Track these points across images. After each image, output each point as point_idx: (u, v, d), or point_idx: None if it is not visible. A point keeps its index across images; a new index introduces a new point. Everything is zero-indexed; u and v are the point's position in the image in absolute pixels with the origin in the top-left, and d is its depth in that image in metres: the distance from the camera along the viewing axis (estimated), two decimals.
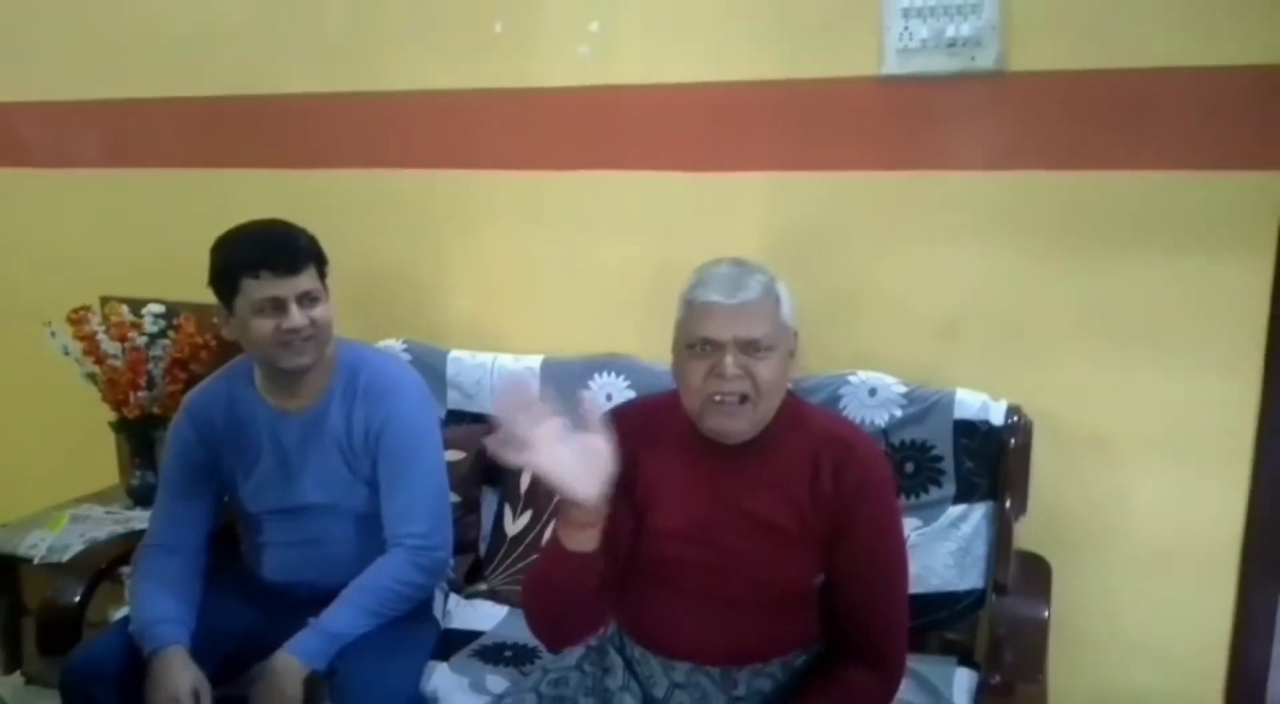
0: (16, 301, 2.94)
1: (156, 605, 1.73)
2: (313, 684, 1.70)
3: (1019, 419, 1.94)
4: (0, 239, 3.01)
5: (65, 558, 2.26)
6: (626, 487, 1.49)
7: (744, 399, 1.41)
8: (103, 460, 2.82)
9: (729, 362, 1.40)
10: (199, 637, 1.72)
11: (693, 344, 1.44)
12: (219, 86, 2.63)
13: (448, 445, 2.12)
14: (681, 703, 1.48)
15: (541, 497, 2.16)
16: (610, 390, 2.19)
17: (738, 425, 1.43)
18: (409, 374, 1.93)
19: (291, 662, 1.67)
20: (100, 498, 2.69)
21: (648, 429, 1.54)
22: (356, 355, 1.88)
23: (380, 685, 1.66)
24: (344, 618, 1.73)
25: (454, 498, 2.10)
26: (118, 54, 2.73)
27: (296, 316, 1.72)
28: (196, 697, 1.63)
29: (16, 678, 2.62)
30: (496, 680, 1.76)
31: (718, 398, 1.41)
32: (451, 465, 2.10)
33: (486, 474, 2.27)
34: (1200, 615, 2.02)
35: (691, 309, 1.45)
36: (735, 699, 1.47)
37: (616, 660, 1.56)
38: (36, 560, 2.39)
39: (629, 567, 1.52)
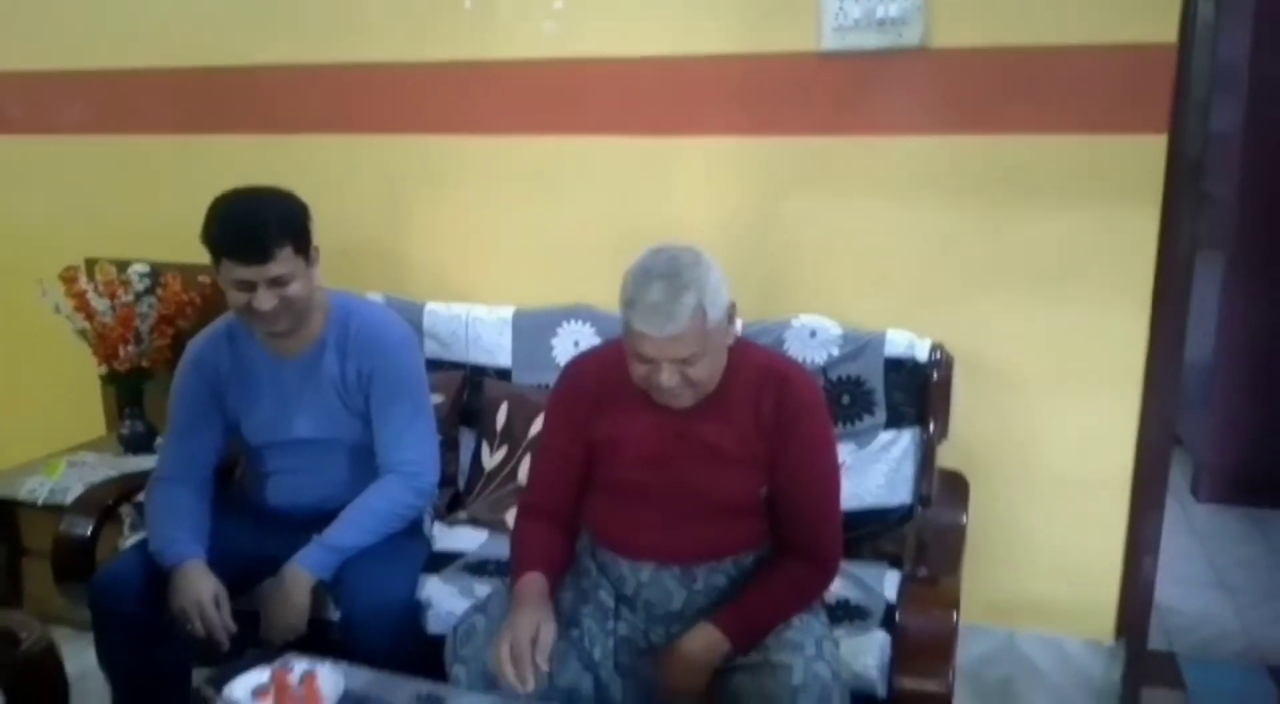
0: (4, 263, 3.05)
1: (173, 527, 1.92)
2: (318, 593, 1.91)
3: (941, 355, 2.20)
4: None
5: (68, 499, 2.41)
6: (585, 428, 1.74)
7: (681, 395, 1.63)
8: (90, 413, 2.97)
9: (665, 375, 1.58)
10: (210, 559, 1.90)
11: (632, 353, 1.61)
12: (198, 58, 2.77)
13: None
14: (648, 598, 1.72)
15: (516, 434, 2.37)
16: (578, 337, 2.41)
17: (681, 404, 1.65)
18: (396, 320, 2.12)
19: (300, 572, 1.88)
20: (92, 446, 2.84)
21: (607, 375, 1.75)
22: (347, 305, 2.06)
23: (380, 591, 1.87)
24: (345, 534, 1.93)
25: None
26: (99, 26, 2.86)
27: (264, 299, 1.84)
28: (217, 602, 1.82)
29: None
30: (482, 587, 1.98)
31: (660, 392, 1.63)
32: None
33: (464, 415, 2.48)
34: (1098, 530, 2.32)
35: (628, 328, 1.57)
36: (694, 593, 1.71)
37: (590, 565, 1.79)
38: (40, 502, 2.55)
39: (598, 487, 1.76)
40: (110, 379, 2.79)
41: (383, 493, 1.99)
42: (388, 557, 1.94)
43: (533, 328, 2.46)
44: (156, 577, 1.87)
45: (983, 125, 2.19)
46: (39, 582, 2.40)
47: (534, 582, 1.64)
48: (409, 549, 2.03)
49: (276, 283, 1.84)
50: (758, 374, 1.71)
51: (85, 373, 2.86)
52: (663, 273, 1.55)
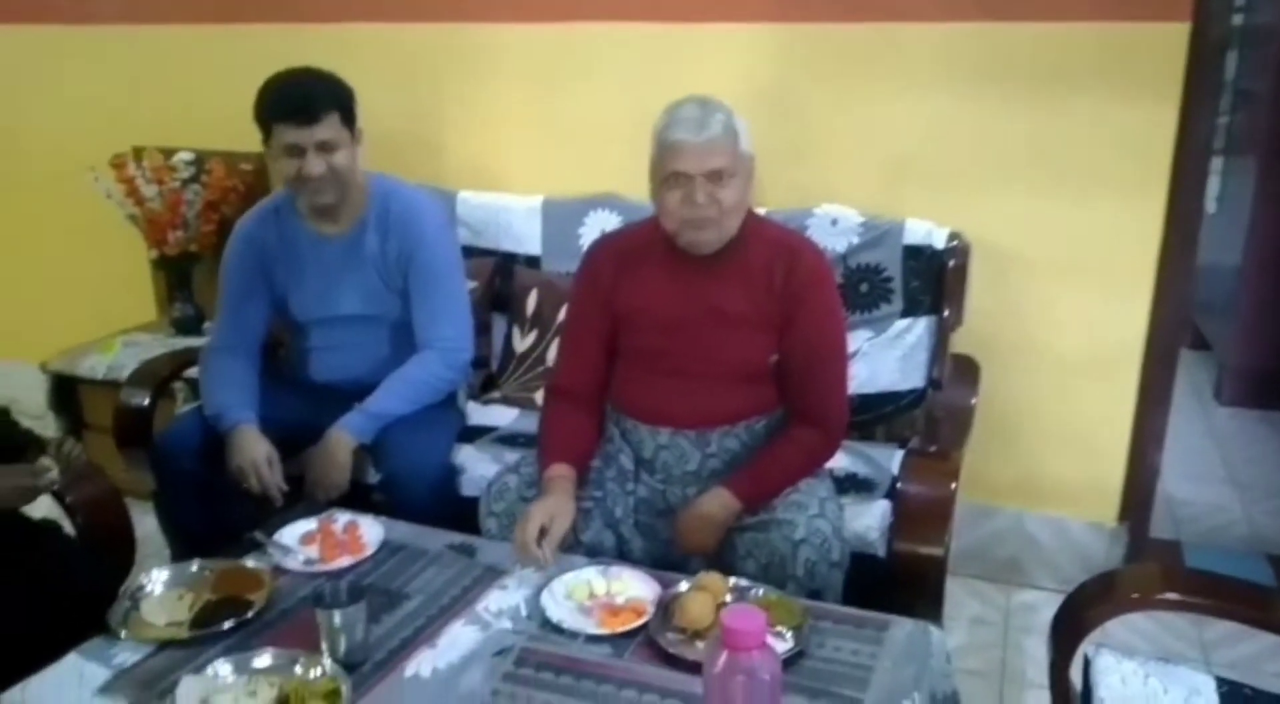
0: (54, 152, 3.16)
1: (227, 393, 2.06)
2: (359, 456, 2.05)
3: (959, 243, 2.25)
4: (33, 93, 3.21)
5: (125, 374, 2.56)
6: (607, 300, 1.84)
7: (711, 220, 1.71)
8: (142, 297, 3.11)
9: (698, 192, 1.68)
10: (260, 426, 2.04)
11: (666, 177, 1.71)
12: None
13: None
14: (665, 460, 1.83)
15: (545, 318, 2.48)
16: (604, 225, 2.48)
17: (708, 237, 1.74)
18: (433, 203, 2.21)
19: (342, 435, 2.01)
20: (145, 328, 2.99)
21: (628, 251, 1.87)
22: (387, 187, 2.15)
23: (417, 454, 2.00)
24: (385, 402, 2.06)
25: None
26: None
27: (313, 163, 1.95)
28: (270, 461, 1.97)
29: None
30: (513, 455, 2.10)
31: (691, 219, 1.71)
32: None
33: (496, 301, 2.58)
34: (1106, 419, 2.39)
35: (663, 147, 1.72)
36: (708, 456, 1.81)
37: (614, 431, 1.90)
38: (99, 377, 2.71)
39: (620, 356, 1.86)
40: (160, 264, 2.92)
41: (420, 366, 2.11)
42: (424, 424, 2.07)
43: (561, 216, 2.54)
44: (212, 439, 2.02)
45: (1004, 12, 2.20)
46: (99, 454, 2.55)
47: (558, 473, 1.75)
48: (444, 419, 2.16)
49: (324, 148, 1.95)
50: (771, 246, 1.79)
51: (137, 258, 3.00)
52: (695, 100, 1.72)
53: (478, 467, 2.09)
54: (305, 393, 2.19)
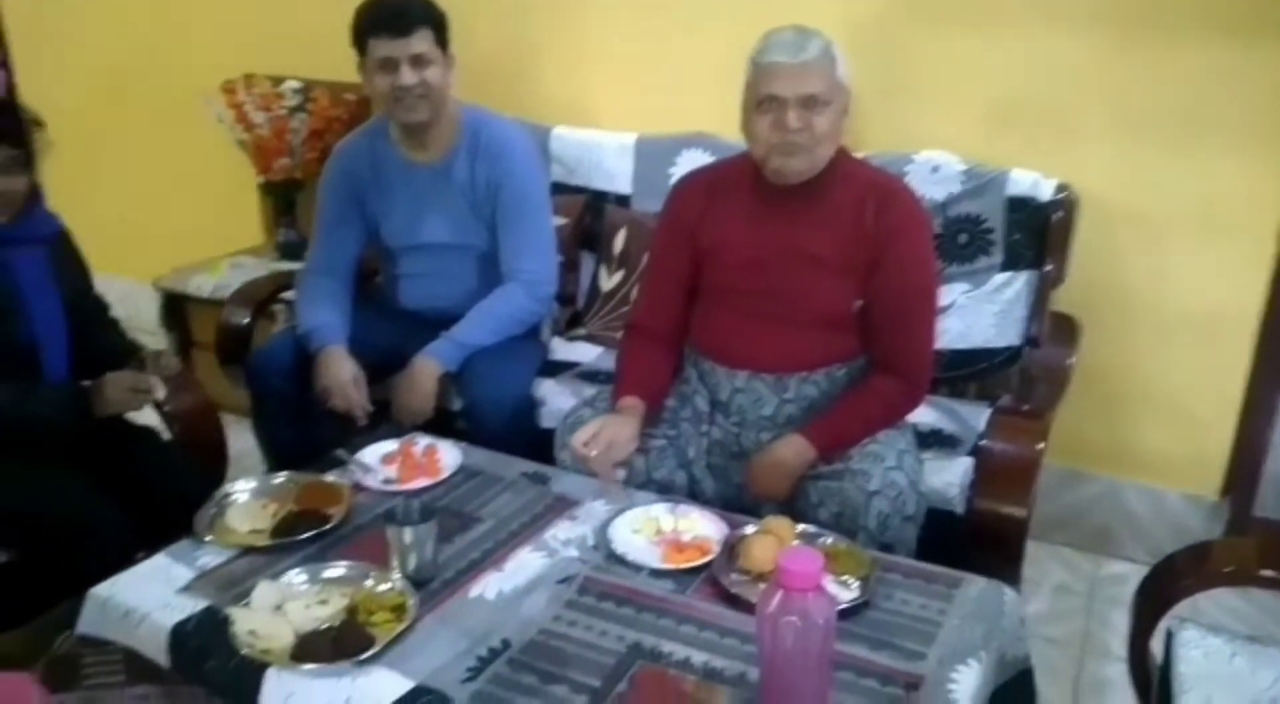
0: (173, 75, 3.26)
1: (319, 314, 2.11)
2: (444, 383, 2.08)
3: (1066, 195, 2.14)
4: (150, 17, 3.30)
5: (228, 294, 2.65)
6: (691, 235, 1.81)
7: (802, 145, 1.65)
8: (250, 221, 3.22)
9: (791, 115, 1.63)
10: (350, 348, 2.09)
11: (760, 101, 1.67)
12: None
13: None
14: (741, 404, 1.81)
15: (632, 259, 2.47)
16: (696, 165, 2.43)
17: (796, 164, 1.68)
18: (523, 134, 2.21)
19: (429, 363, 2.05)
20: (251, 252, 3.09)
21: (715, 185, 1.84)
22: (478, 117, 2.16)
23: (500, 384, 2.03)
24: (470, 331, 2.09)
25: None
26: None
27: (407, 75, 1.98)
28: (356, 382, 2.02)
29: None
30: (592, 391, 2.11)
31: (781, 144, 1.66)
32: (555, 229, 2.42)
33: (584, 239, 2.58)
34: (1214, 386, 2.26)
35: (759, 70, 1.67)
36: (785, 401, 1.78)
37: (692, 372, 1.89)
38: (205, 296, 2.82)
39: (700, 295, 1.84)
40: (267, 189, 3.01)
41: (505, 298, 2.13)
42: (507, 355, 2.09)
43: (654, 154, 2.51)
44: (304, 358, 2.08)
45: None
46: (206, 371, 2.67)
47: (627, 403, 1.75)
48: (527, 351, 2.18)
49: (417, 62, 1.98)
50: (863, 186, 1.73)
51: (247, 183, 3.09)
52: (794, 27, 1.66)
53: (557, 400, 2.11)
54: (395, 319, 2.24)
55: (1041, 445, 1.78)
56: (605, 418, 1.68)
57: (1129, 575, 2.31)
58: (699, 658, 1.31)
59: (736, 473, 1.80)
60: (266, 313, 2.55)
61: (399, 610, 1.37)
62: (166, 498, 1.72)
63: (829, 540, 1.55)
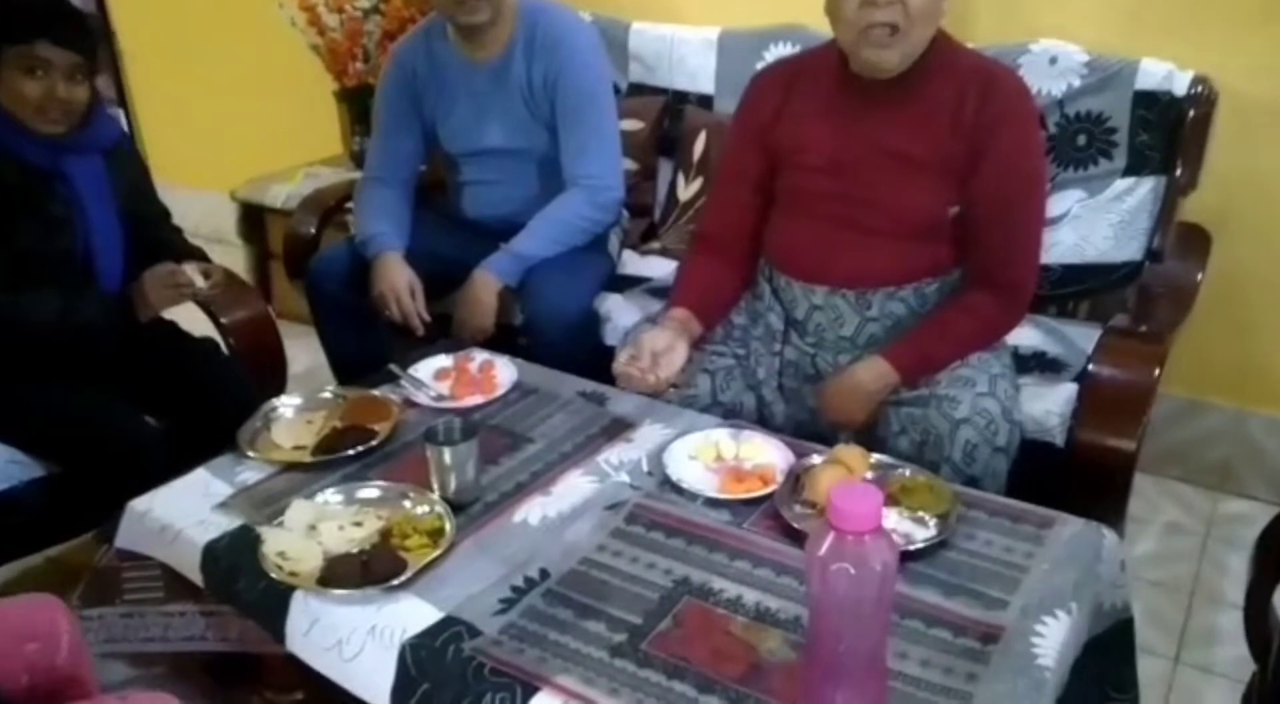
0: None
1: (377, 222, 2.03)
2: (504, 298, 1.98)
3: (1203, 91, 1.88)
4: None
5: None
6: (766, 133, 1.64)
7: (895, 30, 1.45)
8: (328, 131, 3.15)
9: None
10: (410, 257, 2.01)
11: None
12: None
13: (628, 115, 2.29)
14: (819, 323, 1.65)
15: (713, 165, 2.30)
16: None
17: (889, 56, 1.48)
18: (582, 24, 2.06)
19: (488, 277, 1.95)
20: (328, 162, 3.04)
21: (795, 78, 1.65)
22: (536, 7, 2.00)
23: (561, 298, 1.92)
24: (531, 243, 1.97)
25: (631, 165, 2.28)
26: None
27: None
28: (412, 291, 1.94)
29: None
30: (660, 308, 1.99)
31: (870, 28, 1.46)
32: (630, 134, 2.27)
33: (662, 144, 2.42)
34: None
35: None
36: (868, 320, 1.62)
37: (765, 288, 1.73)
38: (279, 205, 2.78)
39: (775, 202, 1.67)
40: (342, 96, 2.93)
41: (566, 205, 2.00)
42: (570, 268, 1.97)
43: (739, 49, 2.31)
44: (362, 266, 2.00)
45: None
46: (283, 282, 2.64)
47: (677, 316, 1.61)
48: (591, 263, 2.05)
49: None
50: (963, 75, 1.52)
51: (322, 92, 3.01)
52: None
53: (623, 316, 1.98)
54: (457, 229, 2.14)
55: (1157, 371, 1.58)
56: (648, 332, 1.54)
57: (1251, 515, 2.09)
58: (751, 597, 1.20)
59: (811, 397, 1.66)
60: (335, 222, 2.49)
61: (436, 535, 1.30)
62: (223, 410, 1.68)
63: (906, 472, 1.40)
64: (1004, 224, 1.53)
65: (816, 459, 1.42)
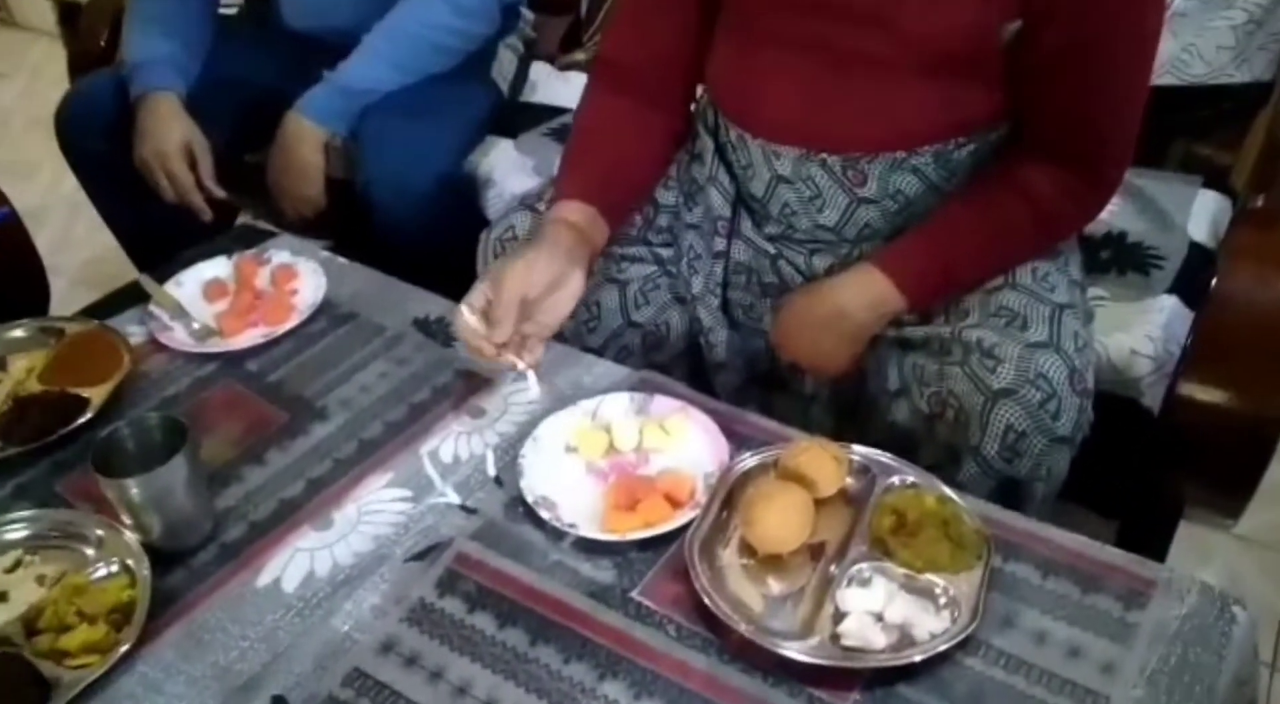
0: None
1: (150, 44, 1.39)
2: (336, 152, 1.37)
3: None
4: None
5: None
6: None
7: None
8: None
9: None
10: (207, 87, 1.41)
11: None
12: None
13: None
14: (786, 204, 1.05)
15: None
16: None
17: None
18: None
19: (304, 124, 1.34)
20: None
21: None
22: None
23: (410, 154, 1.31)
24: (364, 71, 1.35)
25: None
26: None
27: None
28: (190, 152, 1.32)
29: None
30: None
31: None
32: None
33: None
34: None
35: None
36: (862, 202, 1.01)
37: (707, 143, 1.11)
38: None
39: (722, 12, 1.03)
40: None
41: (413, 12, 1.35)
42: (426, 106, 1.35)
43: None
44: (128, 108, 1.38)
45: None
46: None
47: (563, 216, 0.98)
48: (460, 98, 1.42)
49: None
50: None
51: None
52: None
53: (512, 177, 1.38)
54: (277, 45, 1.49)
55: None
56: (516, 260, 0.95)
57: None
58: None
59: (771, 322, 1.09)
60: None
61: (125, 610, 0.78)
62: None
63: (897, 480, 0.85)
64: (1090, 55, 0.89)
65: (757, 459, 0.87)
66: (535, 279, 0.91)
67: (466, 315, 0.91)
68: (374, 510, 0.88)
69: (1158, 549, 1.06)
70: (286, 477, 0.92)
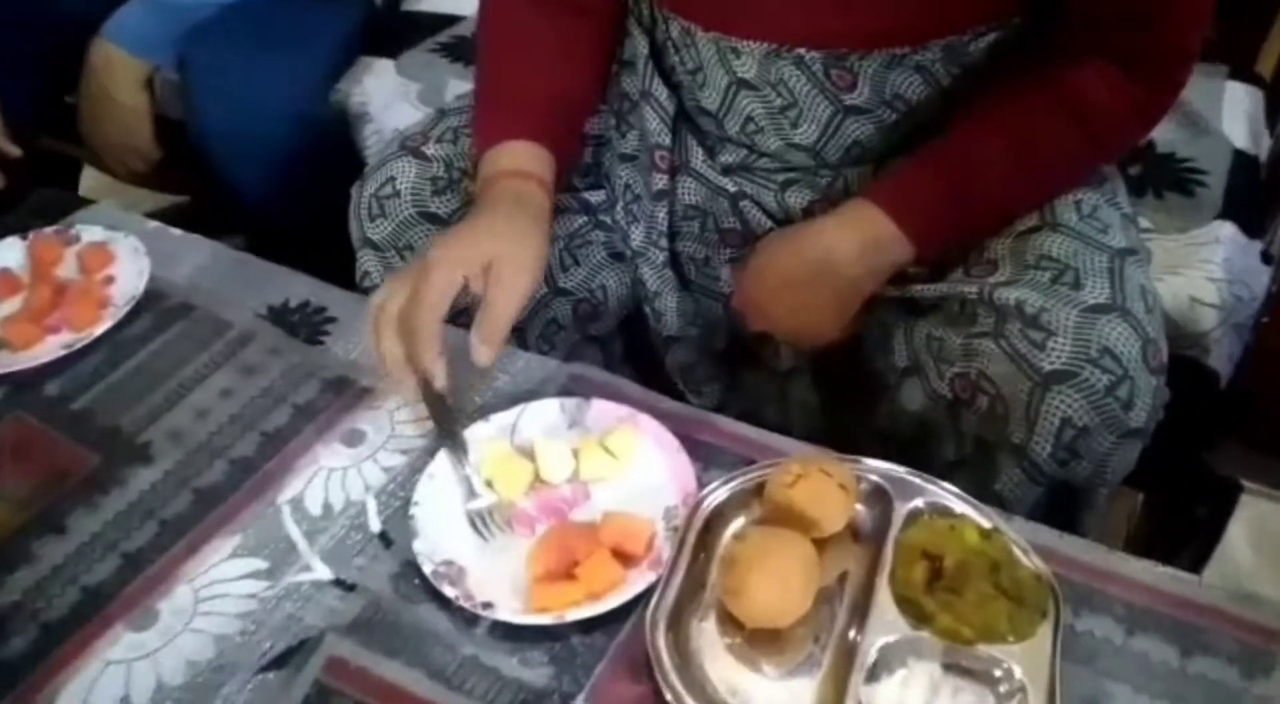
0: None
1: None
2: (172, 86, 1.08)
3: None
4: None
5: None
6: None
7: None
8: None
9: None
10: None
11: None
12: None
13: None
14: (750, 115, 0.79)
15: None
16: None
17: None
18: None
19: (115, 55, 1.04)
20: None
21: None
22: None
23: (251, 84, 1.02)
24: None
25: None
26: None
27: None
28: None
29: None
30: (465, 89, 1.09)
31: None
32: None
33: None
34: None
35: None
36: (849, 110, 0.76)
37: (640, 44, 0.84)
38: None
39: None
40: None
41: None
42: (272, 23, 1.06)
43: None
44: None
45: None
46: None
47: (514, 166, 0.75)
48: (320, 9, 1.12)
49: None
50: None
51: None
52: None
53: (392, 108, 1.09)
54: None
55: None
56: (437, 260, 0.68)
57: None
58: None
59: (731, 280, 0.85)
60: None
61: None
62: None
63: (930, 504, 0.63)
64: None
65: (735, 486, 0.64)
66: (477, 248, 0.68)
67: (375, 335, 0.67)
68: (215, 595, 0.64)
69: (1212, 533, 0.87)
70: (94, 551, 0.67)
